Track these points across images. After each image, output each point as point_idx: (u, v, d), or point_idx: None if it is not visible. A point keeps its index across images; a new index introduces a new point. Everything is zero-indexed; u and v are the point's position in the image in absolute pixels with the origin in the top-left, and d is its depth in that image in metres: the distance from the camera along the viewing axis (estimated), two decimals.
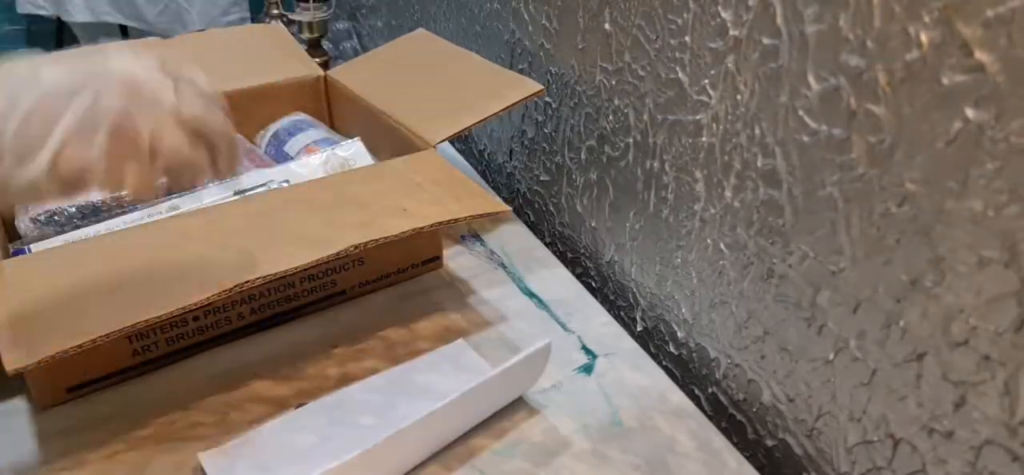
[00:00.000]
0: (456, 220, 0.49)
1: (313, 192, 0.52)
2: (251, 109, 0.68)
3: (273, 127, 0.68)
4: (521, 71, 0.72)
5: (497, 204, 0.51)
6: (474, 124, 0.59)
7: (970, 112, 0.32)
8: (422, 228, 0.47)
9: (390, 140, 0.62)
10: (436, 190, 0.52)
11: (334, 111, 0.73)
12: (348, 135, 0.66)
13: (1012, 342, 0.32)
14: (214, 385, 0.48)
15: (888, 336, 0.38)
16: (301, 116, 0.69)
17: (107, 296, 0.41)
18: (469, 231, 0.67)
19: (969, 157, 0.32)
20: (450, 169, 0.55)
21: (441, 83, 0.66)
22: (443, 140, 0.58)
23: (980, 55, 0.31)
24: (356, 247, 0.45)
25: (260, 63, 0.73)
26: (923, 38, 0.33)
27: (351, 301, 0.56)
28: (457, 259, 0.63)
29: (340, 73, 0.72)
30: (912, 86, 0.34)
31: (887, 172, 0.36)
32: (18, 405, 0.46)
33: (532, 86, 0.61)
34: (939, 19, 0.32)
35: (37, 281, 0.42)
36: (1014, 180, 0.31)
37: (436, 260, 0.60)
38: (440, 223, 0.48)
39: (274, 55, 0.75)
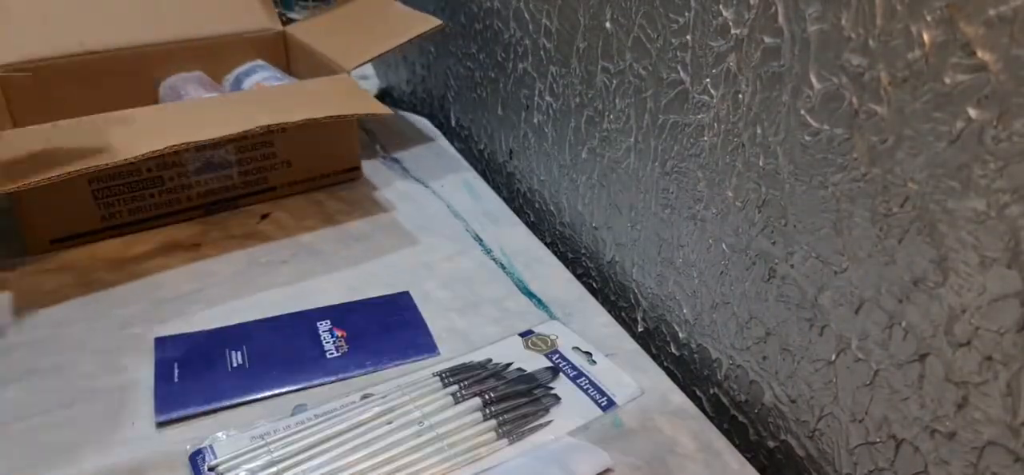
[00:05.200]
0: (343, 115, 0.63)
1: (241, 97, 0.70)
2: (221, 56, 0.84)
3: (236, 71, 0.81)
4: (522, 70, 0.72)
5: (378, 106, 0.64)
6: (381, 54, 0.76)
7: (972, 112, 0.32)
8: (318, 118, 0.61)
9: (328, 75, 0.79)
10: (339, 99, 0.66)
11: (291, 58, 0.89)
12: (300, 77, 0.80)
13: (1015, 343, 0.32)
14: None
15: (890, 337, 0.39)
16: (259, 62, 0.82)
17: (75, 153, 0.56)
18: (473, 234, 0.67)
19: (971, 157, 0.33)
20: (353, 86, 0.69)
21: (368, 28, 0.82)
22: (355, 66, 0.74)
23: (982, 54, 0.31)
24: (262, 128, 0.60)
25: (230, 16, 0.88)
26: (925, 37, 0.33)
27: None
28: (456, 259, 0.63)
29: (296, 28, 0.88)
30: (914, 85, 0.34)
31: (889, 172, 0.36)
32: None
33: (432, 21, 0.75)
34: (941, 18, 0.33)
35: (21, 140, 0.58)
36: (1017, 180, 0.31)
37: (355, 169, 0.76)
38: (330, 116, 0.62)
39: (240, 10, 0.89)
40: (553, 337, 0.54)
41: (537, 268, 0.63)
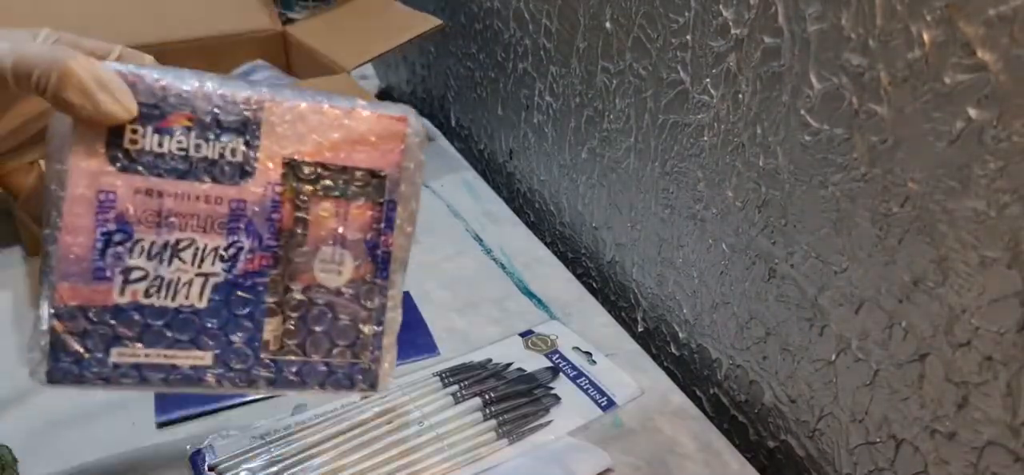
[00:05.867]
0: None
1: None
2: (221, 56, 0.84)
3: (235, 71, 0.82)
4: (522, 70, 0.72)
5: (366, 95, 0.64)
6: (381, 54, 0.76)
7: (972, 111, 0.32)
8: None
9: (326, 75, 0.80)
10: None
11: (291, 58, 0.89)
12: (300, 77, 0.81)
13: (1014, 343, 0.33)
14: None
15: (890, 336, 0.39)
16: (259, 62, 0.82)
17: None
18: (471, 233, 0.67)
19: (971, 157, 0.33)
20: (352, 86, 0.71)
21: (368, 27, 0.83)
22: (355, 66, 0.74)
23: (982, 54, 0.31)
24: None
25: (230, 16, 0.89)
26: (925, 37, 0.33)
27: None
28: (456, 259, 0.63)
29: (296, 28, 0.88)
30: (914, 85, 0.34)
31: (889, 172, 0.37)
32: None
33: (432, 21, 0.74)
34: (941, 18, 0.33)
35: None
36: (1016, 180, 0.31)
37: None
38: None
39: (240, 10, 0.89)
40: (553, 337, 0.54)
41: (537, 268, 0.63)
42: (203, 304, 0.30)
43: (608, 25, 0.57)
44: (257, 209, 0.30)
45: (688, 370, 0.57)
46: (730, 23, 0.44)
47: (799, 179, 0.42)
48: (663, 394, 0.50)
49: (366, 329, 0.33)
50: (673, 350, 0.58)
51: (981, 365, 0.34)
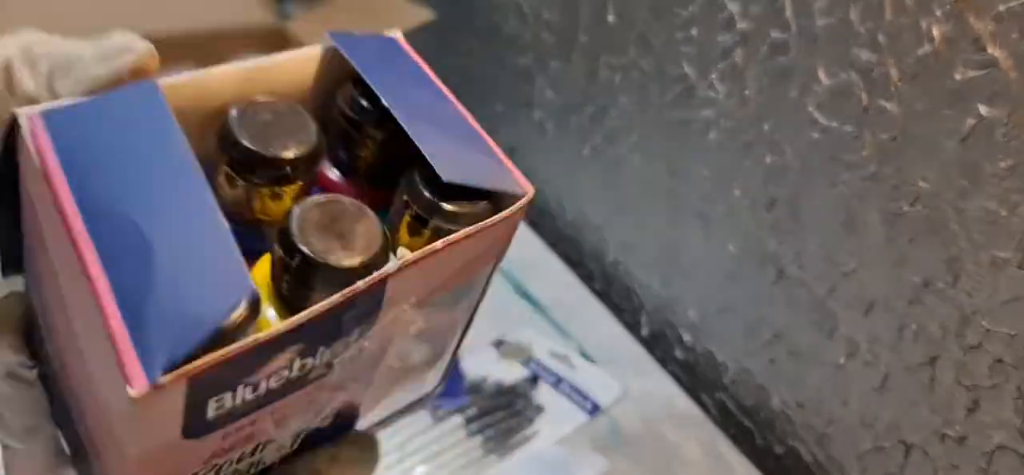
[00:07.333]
0: None
1: None
2: (214, 52, 0.83)
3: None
4: (523, 66, 0.73)
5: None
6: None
7: (983, 109, 0.33)
8: None
9: None
10: None
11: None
12: None
13: None
14: None
15: (901, 339, 0.39)
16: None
17: None
18: None
19: (982, 155, 0.33)
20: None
21: (364, 21, 0.82)
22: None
23: (992, 50, 0.32)
24: None
25: (225, 10, 0.88)
26: (935, 32, 0.34)
27: None
28: None
29: (294, 23, 0.87)
30: (924, 82, 0.35)
31: (899, 170, 0.37)
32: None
33: (423, 14, 0.73)
34: (951, 13, 0.33)
35: None
36: None
37: None
38: None
39: (237, 3, 0.89)
40: (528, 344, 0.54)
41: (537, 270, 0.63)
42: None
43: (611, 18, 0.57)
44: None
45: (694, 375, 0.57)
46: (736, 17, 0.45)
47: (808, 177, 0.43)
48: (668, 399, 0.51)
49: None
50: (678, 354, 0.59)
51: (991, 368, 0.35)
